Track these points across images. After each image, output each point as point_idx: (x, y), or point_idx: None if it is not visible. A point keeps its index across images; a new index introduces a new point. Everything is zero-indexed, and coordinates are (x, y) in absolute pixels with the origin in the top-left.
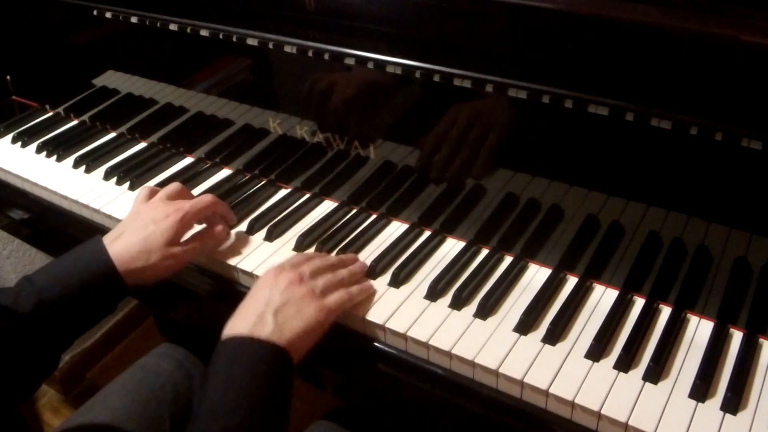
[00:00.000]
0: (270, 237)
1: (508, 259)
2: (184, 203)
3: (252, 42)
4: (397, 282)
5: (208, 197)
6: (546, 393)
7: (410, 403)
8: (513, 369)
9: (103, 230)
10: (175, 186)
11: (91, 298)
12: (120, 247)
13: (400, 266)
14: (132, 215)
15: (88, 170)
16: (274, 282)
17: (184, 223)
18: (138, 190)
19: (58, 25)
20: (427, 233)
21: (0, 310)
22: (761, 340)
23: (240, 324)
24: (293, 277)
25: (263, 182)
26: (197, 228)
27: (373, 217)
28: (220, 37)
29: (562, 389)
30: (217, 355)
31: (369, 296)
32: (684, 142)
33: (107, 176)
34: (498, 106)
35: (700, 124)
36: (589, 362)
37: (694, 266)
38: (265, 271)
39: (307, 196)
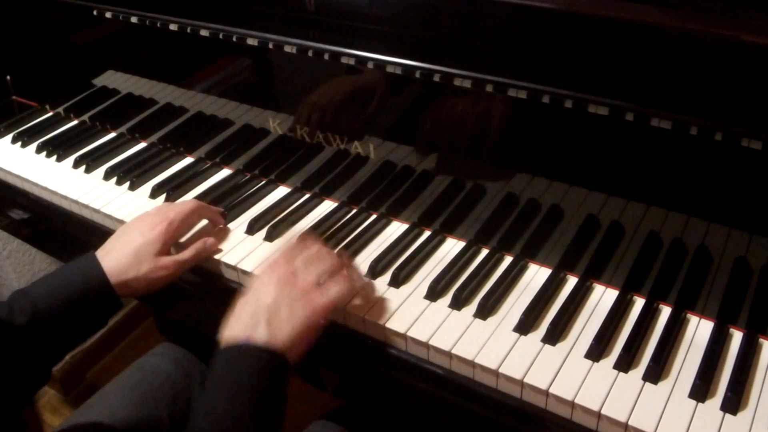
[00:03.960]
0: (270, 237)
1: (508, 259)
2: (168, 212)
3: (252, 42)
4: (397, 282)
5: (192, 203)
6: (546, 393)
7: (410, 403)
8: (513, 369)
9: (103, 230)
10: (163, 205)
11: (85, 311)
12: (111, 260)
13: (400, 266)
14: (121, 230)
15: (88, 170)
16: (267, 280)
17: (172, 231)
18: None
19: (58, 25)
20: (427, 233)
21: None
22: (761, 340)
23: (236, 328)
24: (286, 276)
25: (263, 182)
26: (191, 233)
27: (373, 217)
28: (220, 37)
29: (562, 389)
30: (215, 359)
31: (368, 297)
32: (684, 142)
33: (107, 176)
34: (497, 106)
35: (700, 124)
36: (589, 362)
37: (694, 266)
38: (260, 268)
39: (307, 196)
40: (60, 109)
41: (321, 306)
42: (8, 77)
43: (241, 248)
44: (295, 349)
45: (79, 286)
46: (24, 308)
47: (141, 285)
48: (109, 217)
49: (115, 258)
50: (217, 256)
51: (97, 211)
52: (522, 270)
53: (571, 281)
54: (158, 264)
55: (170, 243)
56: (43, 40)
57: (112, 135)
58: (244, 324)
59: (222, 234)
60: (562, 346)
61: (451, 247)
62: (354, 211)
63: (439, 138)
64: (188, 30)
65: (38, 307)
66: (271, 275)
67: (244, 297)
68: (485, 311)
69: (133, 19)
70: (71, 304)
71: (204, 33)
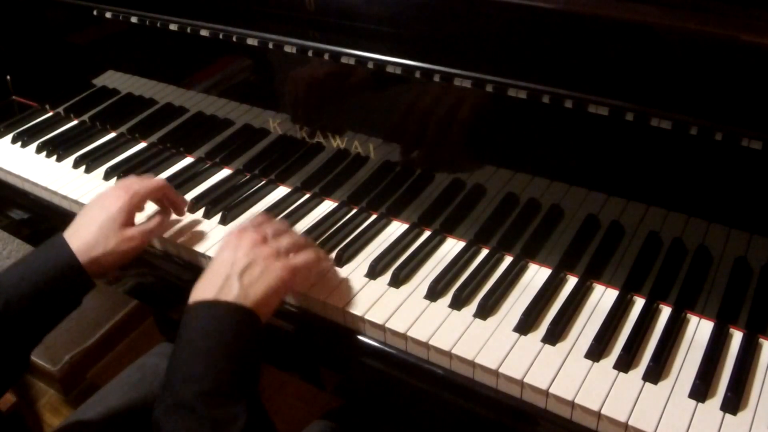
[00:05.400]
0: None
1: (508, 259)
2: (133, 184)
3: (252, 42)
4: (397, 282)
5: (158, 180)
6: (546, 393)
7: (410, 403)
8: (513, 369)
9: None
10: (127, 178)
11: (57, 293)
12: (79, 239)
13: (400, 266)
14: (84, 208)
15: (88, 170)
16: (238, 243)
17: (134, 204)
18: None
19: (58, 25)
20: (427, 233)
21: None
22: (761, 340)
23: (206, 288)
24: (256, 237)
25: (263, 182)
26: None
27: (373, 217)
28: (220, 37)
29: (562, 389)
30: (184, 321)
31: (368, 296)
32: (684, 142)
33: (107, 176)
34: (497, 106)
35: (700, 124)
36: (589, 362)
37: (694, 266)
38: (227, 233)
39: (307, 196)
40: (60, 109)
41: (291, 267)
42: (8, 77)
43: None
44: (266, 307)
45: (49, 269)
46: None
47: (111, 260)
48: None
49: (81, 237)
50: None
51: None
52: (522, 270)
53: (571, 281)
54: (125, 236)
55: (133, 214)
56: (43, 40)
57: (112, 135)
58: (217, 285)
59: (221, 233)
60: (562, 346)
61: (451, 247)
62: (354, 211)
63: (439, 138)
64: (188, 30)
65: (10, 294)
66: (241, 239)
67: (216, 259)
68: (485, 311)
69: (133, 19)
70: (43, 288)
71: (204, 33)
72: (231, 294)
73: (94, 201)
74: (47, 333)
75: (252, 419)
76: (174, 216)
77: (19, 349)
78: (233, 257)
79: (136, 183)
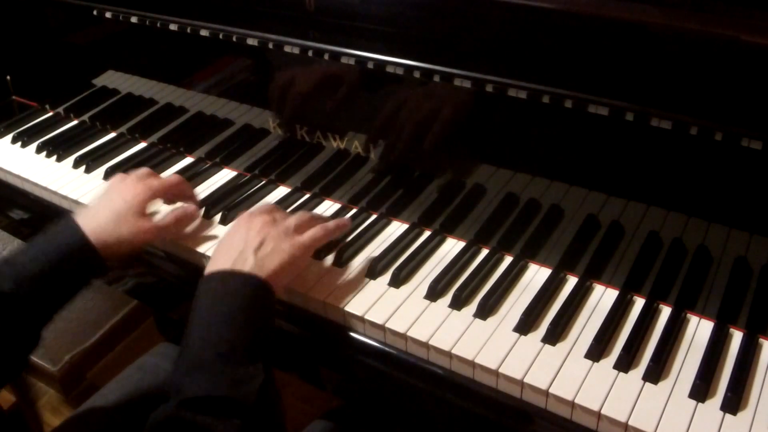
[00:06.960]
0: None
1: (508, 259)
2: (152, 181)
3: (252, 42)
4: (397, 282)
5: (176, 177)
6: (546, 393)
7: (410, 403)
8: (513, 369)
9: None
10: (144, 170)
11: (69, 272)
12: (92, 221)
13: (400, 266)
14: (102, 194)
15: (88, 170)
16: (249, 224)
17: (151, 196)
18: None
19: (58, 25)
20: (427, 233)
21: None
22: (761, 340)
23: (220, 261)
24: (267, 219)
25: (263, 182)
26: (165, 208)
27: (373, 217)
28: (220, 37)
29: (562, 389)
30: (200, 290)
31: (368, 296)
32: (684, 142)
33: (107, 176)
34: (496, 106)
35: (700, 124)
36: (589, 362)
37: (694, 266)
38: (238, 217)
39: (307, 196)
40: (60, 109)
41: (301, 245)
42: (8, 77)
43: None
44: (279, 281)
45: (61, 249)
46: (8, 275)
47: (121, 248)
48: None
49: (95, 219)
50: None
51: None
52: (522, 270)
53: (571, 281)
54: (139, 227)
55: (147, 204)
56: (43, 40)
57: (112, 135)
58: (232, 258)
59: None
60: (562, 346)
61: (451, 247)
62: (354, 211)
63: (439, 137)
64: (188, 30)
65: (22, 272)
66: (251, 221)
67: (229, 236)
68: (485, 311)
69: (133, 19)
70: (55, 267)
71: (204, 33)
72: (246, 266)
73: (112, 188)
74: (58, 311)
75: (269, 379)
76: (189, 214)
77: (30, 327)
78: (246, 236)
79: (155, 180)
